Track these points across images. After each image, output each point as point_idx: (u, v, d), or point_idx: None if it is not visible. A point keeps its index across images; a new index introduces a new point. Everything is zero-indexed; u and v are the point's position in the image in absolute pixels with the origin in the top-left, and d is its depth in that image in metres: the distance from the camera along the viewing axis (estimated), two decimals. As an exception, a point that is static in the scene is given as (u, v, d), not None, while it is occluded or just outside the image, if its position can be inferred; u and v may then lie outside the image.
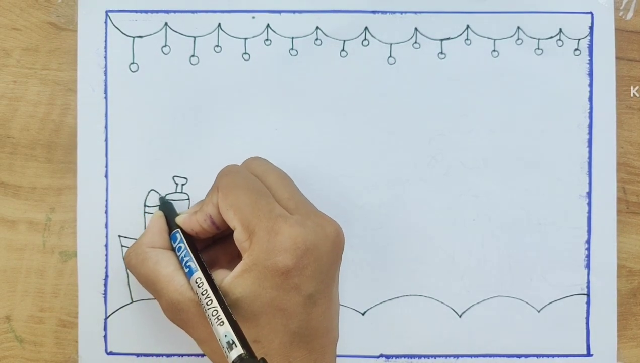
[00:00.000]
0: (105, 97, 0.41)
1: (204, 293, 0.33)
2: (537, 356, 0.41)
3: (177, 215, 0.38)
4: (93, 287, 0.41)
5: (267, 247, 0.33)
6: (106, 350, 0.41)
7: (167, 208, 0.40)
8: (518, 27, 0.41)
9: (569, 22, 0.41)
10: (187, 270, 0.35)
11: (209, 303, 0.32)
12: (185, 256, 0.35)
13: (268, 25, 0.41)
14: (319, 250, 0.34)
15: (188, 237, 0.37)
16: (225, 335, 0.31)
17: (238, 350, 0.30)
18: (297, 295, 0.33)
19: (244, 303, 0.33)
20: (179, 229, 0.37)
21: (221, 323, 0.31)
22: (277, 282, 0.33)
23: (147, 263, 0.36)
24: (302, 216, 0.34)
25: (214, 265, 0.38)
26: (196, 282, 0.34)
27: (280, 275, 0.33)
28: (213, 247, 0.39)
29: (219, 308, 0.32)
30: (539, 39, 0.41)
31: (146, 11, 0.41)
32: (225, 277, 0.34)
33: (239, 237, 0.34)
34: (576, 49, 0.41)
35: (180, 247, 0.36)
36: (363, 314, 0.41)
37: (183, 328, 0.35)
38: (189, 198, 0.41)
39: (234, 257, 0.35)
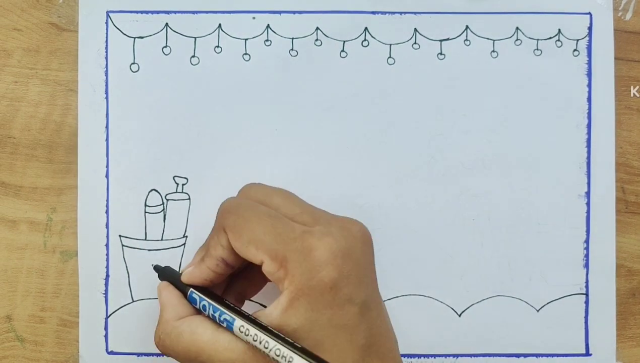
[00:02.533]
0: (106, 98, 0.41)
1: (255, 338, 0.30)
2: (537, 355, 0.41)
3: (180, 274, 0.35)
4: (94, 286, 0.41)
5: (307, 268, 0.31)
6: (107, 349, 0.41)
7: (166, 274, 0.37)
8: (517, 28, 0.41)
9: (567, 22, 0.41)
10: (225, 324, 0.32)
11: (266, 346, 0.30)
12: (214, 312, 0.32)
13: (268, 26, 0.42)
14: (355, 254, 0.32)
15: (204, 289, 0.34)
16: None
17: None
18: (352, 305, 0.31)
19: (303, 333, 0.31)
20: (191, 288, 0.34)
21: (291, 359, 0.29)
22: (328, 299, 0.31)
23: (183, 338, 0.33)
24: (323, 226, 0.33)
25: (241, 302, 0.36)
26: (241, 331, 0.31)
27: (330, 290, 0.31)
28: (233, 285, 0.37)
29: (280, 347, 0.29)
30: (538, 40, 0.41)
31: (147, 12, 0.41)
32: (271, 314, 0.31)
33: (269, 269, 0.32)
34: (575, 50, 0.41)
35: (204, 306, 0.33)
36: (363, 314, 0.41)
37: None
38: (189, 198, 0.41)
39: (260, 284, 0.34)
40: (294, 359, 0.29)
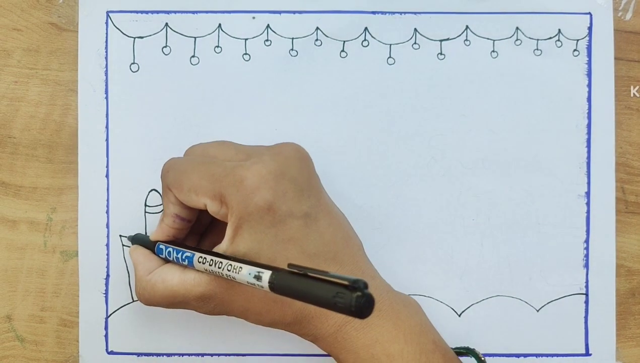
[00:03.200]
0: (106, 97, 0.41)
1: (211, 263, 0.32)
2: (536, 355, 0.41)
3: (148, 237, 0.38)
4: (94, 286, 0.41)
5: (241, 197, 0.33)
6: (107, 349, 0.41)
7: (137, 239, 0.39)
8: (517, 28, 0.41)
9: (567, 22, 0.41)
10: (186, 262, 0.34)
11: (220, 266, 0.32)
12: (177, 253, 0.35)
13: (268, 26, 0.42)
14: (288, 173, 0.34)
15: (171, 243, 0.37)
16: (249, 273, 0.30)
17: (267, 273, 0.29)
18: (294, 219, 0.33)
19: (253, 255, 0.33)
20: (158, 243, 0.37)
21: (239, 269, 0.31)
22: (269, 219, 0.33)
23: (157, 288, 0.35)
24: (256, 157, 0.34)
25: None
26: (200, 261, 0.33)
27: (267, 211, 0.33)
28: (202, 242, 0.39)
29: (231, 262, 0.31)
30: (538, 40, 0.41)
31: (147, 12, 0.41)
32: (221, 247, 0.34)
33: (213, 208, 0.34)
34: (575, 50, 0.42)
35: (169, 252, 0.36)
36: (363, 313, 0.41)
37: (225, 313, 0.35)
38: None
39: (223, 233, 0.35)
40: (243, 268, 0.30)
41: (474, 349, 0.37)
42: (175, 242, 0.37)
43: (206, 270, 0.33)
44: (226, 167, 0.34)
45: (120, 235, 0.41)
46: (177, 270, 0.35)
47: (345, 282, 0.26)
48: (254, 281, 0.30)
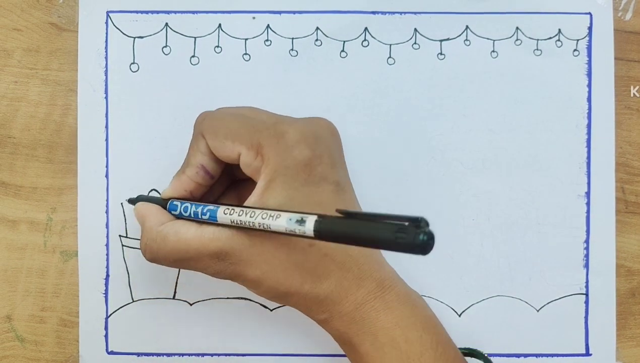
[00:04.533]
0: (106, 97, 0.41)
1: (241, 213, 0.30)
2: (537, 355, 0.41)
3: (155, 198, 0.37)
4: (94, 286, 0.41)
5: (281, 148, 0.32)
6: (107, 349, 0.41)
7: (141, 199, 0.37)
8: (517, 28, 0.41)
9: (568, 22, 0.41)
10: (209, 215, 0.32)
11: (252, 215, 0.30)
12: (197, 208, 0.33)
13: (268, 26, 0.42)
14: (325, 139, 0.34)
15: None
16: (290, 219, 0.28)
17: (312, 217, 0.27)
18: (327, 184, 0.33)
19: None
20: (172, 199, 0.35)
21: (277, 216, 0.29)
22: (304, 177, 0.32)
23: (168, 239, 0.33)
24: (292, 119, 0.34)
25: None
26: (226, 214, 0.31)
27: (304, 167, 0.32)
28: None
29: (265, 211, 0.29)
30: (538, 40, 0.41)
31: (147, 12, 0.41)
32: (249, 200, 0.32)
33: (247, 159, 0.33)
34: (575, 50, 0.41)
35: (186, 208, 0.34)
36: (363, 314, 0.41)
37: (236, 277, 0.33)
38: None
39: (244, 196, 0.34)
40: (281, 215, 0.28)
41: (477, 350, 0.37)
42: (190, 199, 0.35)
43: (233, 222, 0.31)
44: (266, 120, 0.34)
45: (123, 202, 0.41)
46: (193, 224, 0.33)
47: (404, 222, 0.25)
48: (295, 226, 0.27)
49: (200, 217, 0.33)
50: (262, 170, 0.32)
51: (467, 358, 0.36)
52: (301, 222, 0.27)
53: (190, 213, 0.33)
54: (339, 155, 0.35)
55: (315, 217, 0.27)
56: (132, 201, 0.38)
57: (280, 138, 0.32)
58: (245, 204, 0.32)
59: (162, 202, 0.36)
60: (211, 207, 0.32)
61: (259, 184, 0.32)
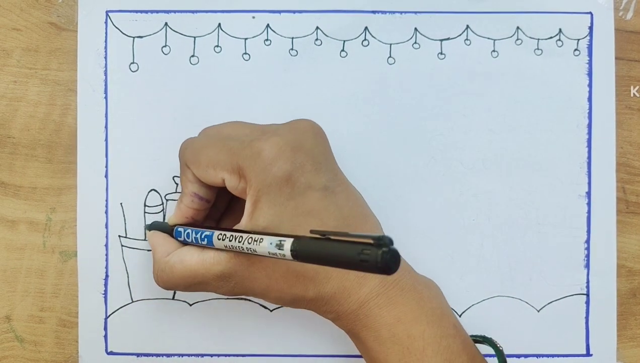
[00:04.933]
0: (105, 97, 0.41)
1: (231, 239, 0.32)
2: (537, 356, 0.41)
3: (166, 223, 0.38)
4: (93, 286, 0.41)
5: (259, 169, 0.32)
6: (106, 349, 0.41)
7: (154, 226, 0.39)
8: (518, 27, 0.41)
9: (568, 22, 0.41)
10: (206, 241, 0.34)
11: (240, 240, 0.31)
12: (196, 234, 0.35)
13: (268, 25, 0.41)
14: (305, 146, 0.34)
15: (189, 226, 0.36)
16: (271, 243, 0.29)
17: (289, 241, 0.28)
18: (314, 191, 0.33)
19: (273, 228, 0.32)
20: (176, 227, 0.37)
21: (260, 240, 0.30)
22: (287, 191, 0.32)
23: (176, 269, 0.35)
24: (272, 131, 0.34)
25: None
26: (219, 238, 0.33)
27: (286, 182, 0.32)
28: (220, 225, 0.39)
29: (250, 235, 0.31)
30: (538, 39, 0.41)
31: (146, 11, 0.41)
32: (241, 224, 0.33)
33: (231, 183, 0.34)
34: (576, 49, 0.41)
35: (188, 234, 0.35)
36: (363, 314, 0.41)
37: (245, 293, 0.34)
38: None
39: (240, 215, 0.35)
40: (264, 239, 0.30)
41: (491, 338, 0.37)
42: (193, 224, 0.37)
43: (226, 247, 0.32)
44: (243, 140, 0.34)
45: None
46: (196, 250, 0.35)
47: (370, 241, 0.25)
48: (276, 250, 0.29)
49: (200, 242, 0.34)
50: (247, 191, 0.33)
51: (480, 346, 0.36)
52: (280, 246, 0.29)
53: (192, 239, 0.35)
54: (325, 157, 0.35)
55: (292, 240, 0.28)
56: (148, 227, 0.40)
57: (257, 158, 0.33)
58: (236, 227, 0.33)
59: (169, 229, 0.37)
60: (207, 232, 0.34)
61: (247, 205, 0.33)
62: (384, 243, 0.25)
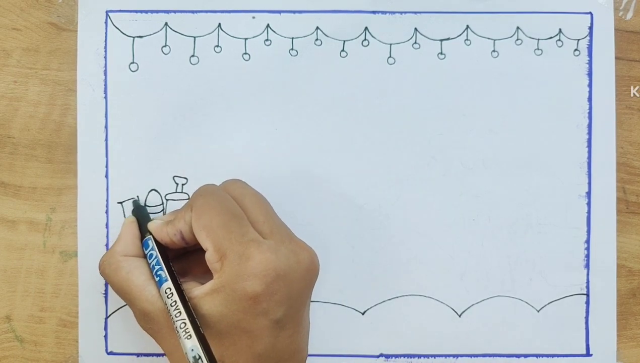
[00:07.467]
0: (105, 97, 0.41)
1: (172, 304, 0.33)
2: (537, 356, 0.41)
3: (150, 220, 0.38)
4: (93, 286, 0.41)
5: (237, 272, 0.33)
6: (106, 349, 0.41)
7: (140, 213, 0.40)
8: (518, 27, 0.41)
9: (568, 22, 0.41)
10: (157, 279, 0.35)
11: (177, 315, 0.32)
12: (156, 264, 0.35)
13: (268, 25, 0.41)
14: (290, 277, 0.33)
15: (160, 244, 0.37)
16: (192, 350, 0.31)
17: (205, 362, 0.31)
18: (264, 319, 0.33)
19: (211, 321, 0.33)
20: (151, 236, 0.37)
21: (189, 337, 0.31)
22: (244, 306, 0.33)
23: (120, 273, 0.36)
24: (275, 242, 0.34)
25: (185, 274, 0.38)
26: (166, 293, 0.34)
27: (249, 300, 0.33)
28: (186, 256, 0.38)
29: (187, 321, 0.32)
30: (538, 39, 0.41)
31: (146, 11, 0.41)
32: (193, 292, 0.34)
33: (210, 258, 0.34)
34: (576, 49, 0.41)
35: (151, 255, 0.36)
36: (363, 314, 0.41)
37: (153, 337, 0.36)
38: (189, 198, 0.41)
39: (207, 269, 0.35)
40: (192, 337, 0.31)
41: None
42: (166, 247, 0.37)
43: (165, 304, 0.34)
44: (245, 234, 0.34)
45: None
46: (146, 272, 0.36)
47: None
48: (190, 358, 0.31)
49: (153, 274, 0.35)
50: (216, 276, 0.34)
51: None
52: (196, 361, 0.31)
53: (150, 264, 0.36)
54: (300, 295, 0.34)
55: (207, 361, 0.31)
56: (135, 204, 0.40)
57: (242, 262, 0.33)
58: (189, 288, 0.34)
59: (145, 230, 0.38)
60: (163, 274, 0.35)
61: (207, 284, 0.34)
62: None
